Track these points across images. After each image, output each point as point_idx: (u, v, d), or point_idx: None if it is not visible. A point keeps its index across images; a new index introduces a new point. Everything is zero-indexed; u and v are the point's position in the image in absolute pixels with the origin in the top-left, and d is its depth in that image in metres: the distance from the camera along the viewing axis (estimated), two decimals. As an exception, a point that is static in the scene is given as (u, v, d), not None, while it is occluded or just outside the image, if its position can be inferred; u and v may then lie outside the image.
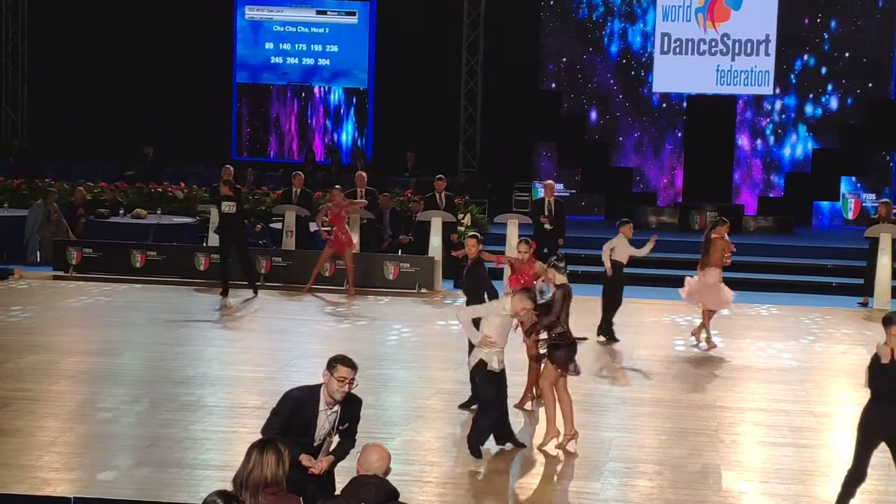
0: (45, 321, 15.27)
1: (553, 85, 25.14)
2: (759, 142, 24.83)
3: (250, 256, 17.89)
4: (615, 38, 24.92)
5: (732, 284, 19.46)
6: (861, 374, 13.53)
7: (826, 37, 24.36)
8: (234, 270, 17.47)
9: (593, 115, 25.07)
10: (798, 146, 24.70)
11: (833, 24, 24.34)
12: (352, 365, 6.86)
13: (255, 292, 17.50)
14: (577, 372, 10.26)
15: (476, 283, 11.43)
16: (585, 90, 25.07)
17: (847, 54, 24.25)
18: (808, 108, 24.57)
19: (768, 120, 24.74)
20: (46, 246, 20.05)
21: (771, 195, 24.73)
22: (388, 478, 5.92)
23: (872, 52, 24.19)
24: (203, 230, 20.19)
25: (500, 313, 9.73)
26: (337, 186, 18.92)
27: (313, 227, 19.39)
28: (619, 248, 14.66)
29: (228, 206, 17.25)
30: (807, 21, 24.40)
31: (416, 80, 24.53)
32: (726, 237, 14.95)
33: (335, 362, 6.86)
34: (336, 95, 26.28)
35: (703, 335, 14.70)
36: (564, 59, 25.07)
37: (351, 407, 6.98)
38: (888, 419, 8.09)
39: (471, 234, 12.13)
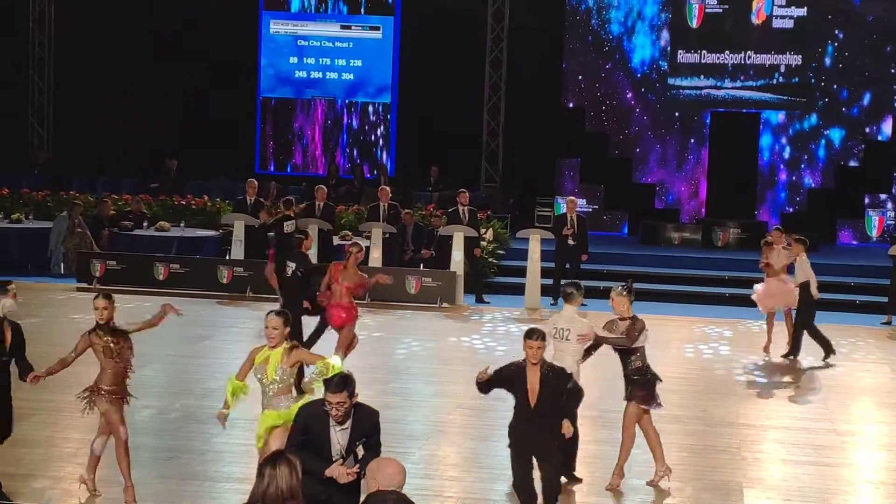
0: (68, 332, 15.24)
1: (573, 97, 25.13)
2: (782, 159, 24.75)
3: None
4: (637, 53, 24.90)
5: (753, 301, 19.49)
6: (885, 393, 13.52)
7: (851, 54, 24.25)
8: (258, 284, 17.64)
9: (615, 130, 25.05)
10: (821, 163, 24.60)
11: (857, 40, 24.23)
12: (340, 388, 6.52)
13: None
14: (659, 405, 9.59)
15: None
16: (607, 105, 25.05)
17: (868, 73, 24.14)
18: (833, 125, 24.47)
19: (792, 137, 24.66)
20: (70, 258, 20.15)
21: (794, 212, 24.63)
22: (406, 492, 5.89)
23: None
24: (226, 243, 20.26)
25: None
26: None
27: (336, 240, 19.46)
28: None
29: (290, 226, 17.67)
30: (831, 39, 24.32)
31: (439, 95, 24.55)
32: None
33: (324, 386, 6.60)
34: (360, 109, 26.34)
35: None
36: (584, 76, 25.06)
37: (363, 422, 6.70)
38: None
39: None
